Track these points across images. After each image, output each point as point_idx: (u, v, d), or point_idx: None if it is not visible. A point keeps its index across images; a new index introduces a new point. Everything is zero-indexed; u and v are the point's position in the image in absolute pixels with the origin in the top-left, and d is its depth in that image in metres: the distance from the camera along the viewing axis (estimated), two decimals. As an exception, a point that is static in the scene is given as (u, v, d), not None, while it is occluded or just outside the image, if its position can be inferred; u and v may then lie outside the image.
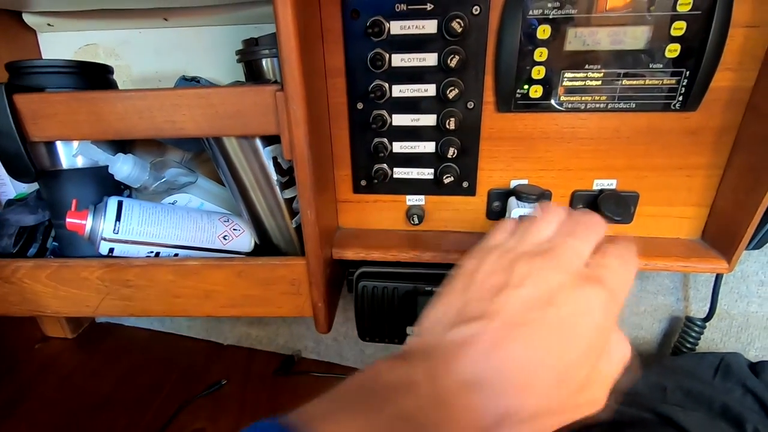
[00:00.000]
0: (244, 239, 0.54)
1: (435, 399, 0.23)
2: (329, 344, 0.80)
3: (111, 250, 0.47)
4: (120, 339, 0.84)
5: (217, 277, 0.49)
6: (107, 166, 0.49)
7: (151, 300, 0.51)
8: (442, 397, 0.23)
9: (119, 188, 0.53)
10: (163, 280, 0.49)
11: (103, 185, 0.51)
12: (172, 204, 0.54)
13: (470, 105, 0.46)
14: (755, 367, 0.50)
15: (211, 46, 0.65)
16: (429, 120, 0.47)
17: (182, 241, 0.50)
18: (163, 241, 0.49)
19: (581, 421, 0.25)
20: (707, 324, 0.59)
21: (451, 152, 0.46)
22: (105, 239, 0.46)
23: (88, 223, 0.46)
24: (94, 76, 0.49)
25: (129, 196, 0.55)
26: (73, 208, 0.46)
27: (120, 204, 0.47)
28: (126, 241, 0.47)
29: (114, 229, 0.46)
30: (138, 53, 0.68)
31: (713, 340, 0.65)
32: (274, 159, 0.47)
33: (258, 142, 0.46)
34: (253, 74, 0.53)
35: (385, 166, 0.50)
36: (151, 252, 0.49)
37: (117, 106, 0.41)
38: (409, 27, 0.43)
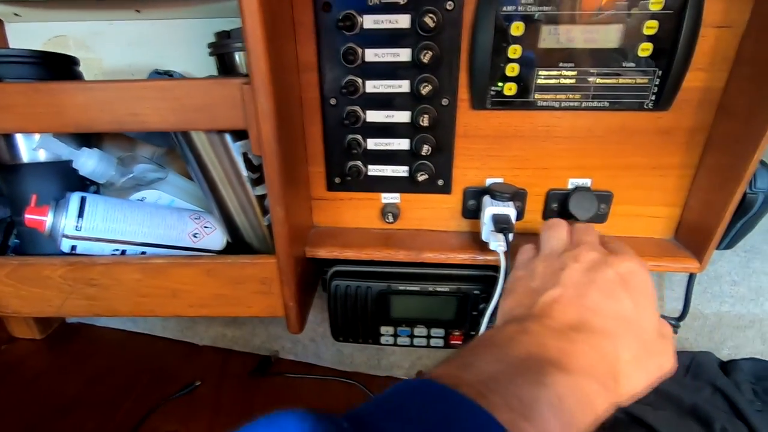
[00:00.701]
0: (215, 237, 0.53)
1: (551, 337, 0.28)
2: (307, 344, 0.79)
3: (73, 247, 0.46)
4: (91, 339, 0.81)
5: (185, 276, 0.47)
6: (71, 161, 0.48)
7: (117, 299, 0.49)
8: (556, 335, 0.28)
9: (85, 184, 0.52)
10: (128, 279, 0.48)
11: (67, 180, 0.49)
12: (141, 200, 0.52)
13: (445, 102, 0.45)
14: (726, 366, 0.51)
15: (185, 40, 0.64)
16: (403, 117, 0.46)
17: (150, 239, 0.49)
18: (129, 239, 0.48)
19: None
20: (681, 323, 0.59)
21: (425, 149, 0.46)
22: (66, 236, 0.45)
23: (49, 219, 0.44)
24: (57, 68, 0.48)
25: (96, 192, 0.53)
26: (32, 204, 0.44)
27: (83, 200, 0.45)
28: (89, 239, 0.46)
29: (76, 226, 0.45)
30: (110, 46, 0.66)
31: (687, 339, 0.66)
32: (245, 155, 0.46)
33: (228, 137, 0.45)
34: (226, 68, 0.52)
35: (359, 163, 0.49)
36: (117, 250, 0.48)
37: (78, 97, 0.39)
38: (382, 21, 0.42)
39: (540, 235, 0.40)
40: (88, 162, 0.47)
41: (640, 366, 0.29)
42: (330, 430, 0.18)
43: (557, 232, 0.38)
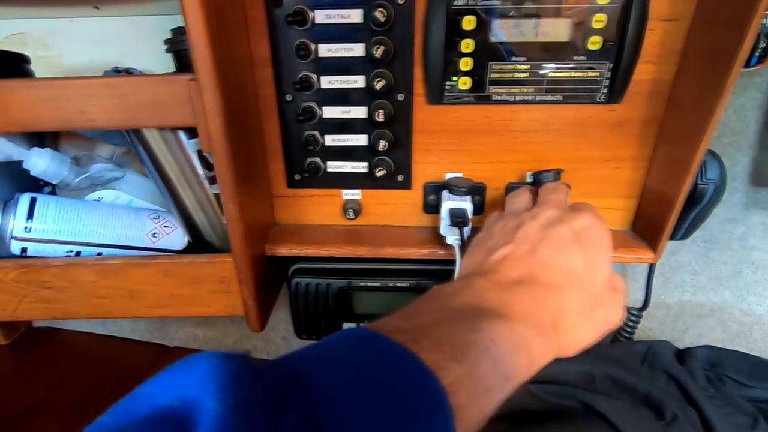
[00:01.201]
0: (175, 237, 0.52)
1: (493, 290, 0.29)
2: (279, 343, 0.79)
3: (24, 249, 0.45)
4: (58, 343, 0.80)
5: (143, 277, 0.47)
6: (22, 161, 0.47)
7: (74, 301, 0.48)
8: (499, 289, 0.29)
9: (39, 185, 0.50)
10: (84, 280, 0.47)
11: (18, 181, 0.48)
12: (97, 200, 0.51)
13: (400, 97, 0.45)
14: (682, 354, 0.52)
15: (146, 36, 0.62)
16: (360, 112, 0.46)
17: (106, 240, 0.48)
18: (83, 240, 0.47)
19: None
20: (643, 313, 0.60)
21: (382, 145, 0.46)
22: (16, 238, 0.44)
23: (-4, 221, 0.43)
24: (6, 66, 0.47)
25: (52, 192, 0.52)
26: (-21, 206, 0.43)
27: (33, 201, 0.44)
28: (40, 240, 0.45)
29: (26, 228, 0.44)
30: (70, 43, 0.64)
31: (651, 328, 0.67)
32: (199, 152, 0.45)
33: (182, 135, 0.44)
34: (183, 64, 0.51)
35: (317, 159, 0.49)
36: (71, 251, 0.47)
37: (20, 95, 0.38)
38: (333, 16, 0.42)
39: (506, 199, 0.41)
40: (39, 162, 0.46)
41: (586, 317, 0.30)
42: (238, 366, 0.18)
43: (520, 195, 0.40)
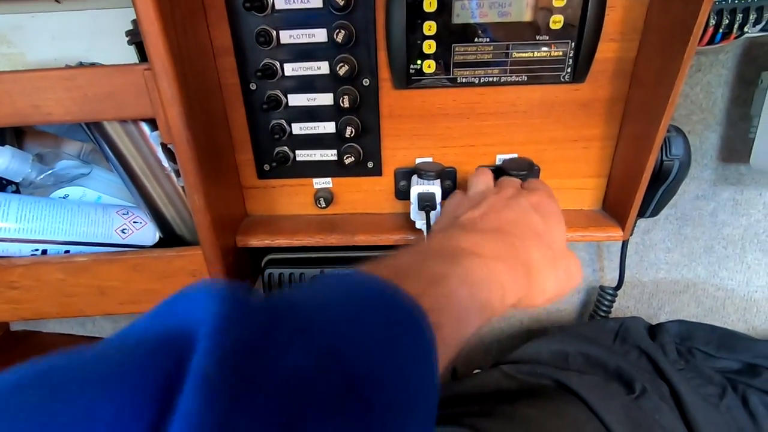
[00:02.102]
0: (146, 232, 0.51)
1: (467, 235, 0.32)
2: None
3: (-14, 249, 0.44)
4: (37, 346, 0.78)
5: (112, 273, 0.46)
6: (-19, 160, 0.46)
7: (42, 301, 0.48)
8: (472, 234, 0.32)
9: (2, 183, 0.49)
10: (51, 279, 0.46)
11: (-21, 180, 0.47)
12: (63, 198, 0.50)
13: (366, 82, 0.45)
14: (653, 330, 0.52)
15: (110, 30, 0.61)
16: (326, 99, 0.46)
17: (73, 237, 0.47)
18: (48, 238, 0.46)
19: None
20: (619, 292, 0.61)
21: (349, 131, 0.45)
22: (-23, 238, 0.43)
23: (-44, 221, 0.42)
24: (-41, 62, 0.45)
25: (16, 191, 0.51)
26: (-64, 206, 0.42)
27: (-7, 199, 0.44)
28: (3, 240, 0.44)
29: (-13, 227, 0.43)
30: (33, 39, 0.63)
31: (627, 307, 0.68)
32: (163, 145, 0.44)
33: (145, 127, 0.44)
34: (144, 56, 0.50)
35: (285, 148, 0.48)
36: (36, 250, 0.46)
37: (-29, 90, 0.37)
38: (293, 1, 0.41)
39: (468, 181, 0.43)
40: (-2, 160, 0.45)
41: (550, 266, 0.33)
42: (234, 293, 0.18)
43: (483, 176, 0.42)
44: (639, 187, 0.44)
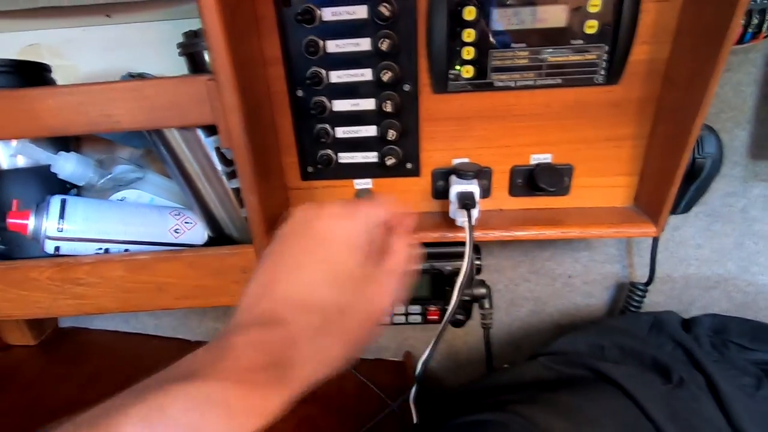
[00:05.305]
0: (196, 232, 0.54)
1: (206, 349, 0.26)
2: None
3: (57, 248, 0.47)
4: (85, 342, 0.83)
5: (169, 270, 0.49)
6: (50, 165, 0.49)
7: (105, 297, 0.51)
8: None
9: (65, 187, 0.53)
10: (113, 276, 0.49)
11: (48, 184, 0.51)
12: (121, 200, 0.54)
13: (407, 87, 0.47)
14: (687, 323, 0.54)
15: (157, 42, 0.65)
16: (368, 104, 0.48)
17: (132, 237, 0.50)
18: (111, 237, 0.49)
19: None
20: (650, 288, 0.62)
21: (391, 134, 0.48)
22: (49, 238, 0.46)
23: (31, 222, 0.46)
24: (30, 75, 0.49)
25: (77, 194, 0.55)
26: (14, 209, 0.46)
27: (63, 202, 0.47)
28: (72, 239, 0.47)
29: (58, 228, 0.46)
30: (83, 52, 0.67)
31: (658, 302, 0.69)
32: (217, 149, 0.47)
33: (200, 133, 0.47)
34: (196, 66, 0.53)
35: (329, 151, 0.51)
36: (100, 249, 0.49)
37: (49, 102, 0.41)
38: (340, 13, 0.44)
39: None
40: (66, 165, 0.49)
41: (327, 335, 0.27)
42: None
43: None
44: (673, 184, 0.45)
